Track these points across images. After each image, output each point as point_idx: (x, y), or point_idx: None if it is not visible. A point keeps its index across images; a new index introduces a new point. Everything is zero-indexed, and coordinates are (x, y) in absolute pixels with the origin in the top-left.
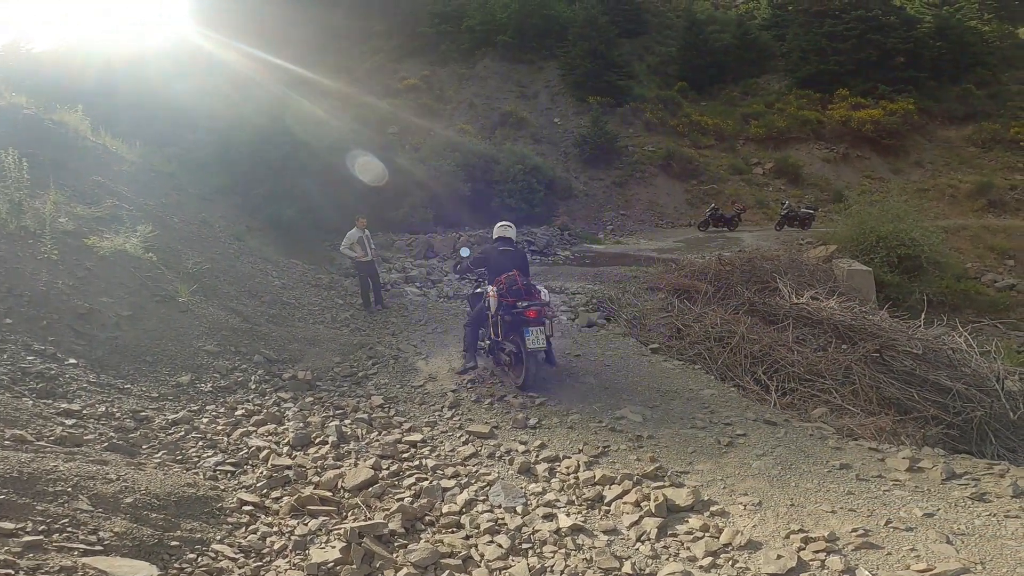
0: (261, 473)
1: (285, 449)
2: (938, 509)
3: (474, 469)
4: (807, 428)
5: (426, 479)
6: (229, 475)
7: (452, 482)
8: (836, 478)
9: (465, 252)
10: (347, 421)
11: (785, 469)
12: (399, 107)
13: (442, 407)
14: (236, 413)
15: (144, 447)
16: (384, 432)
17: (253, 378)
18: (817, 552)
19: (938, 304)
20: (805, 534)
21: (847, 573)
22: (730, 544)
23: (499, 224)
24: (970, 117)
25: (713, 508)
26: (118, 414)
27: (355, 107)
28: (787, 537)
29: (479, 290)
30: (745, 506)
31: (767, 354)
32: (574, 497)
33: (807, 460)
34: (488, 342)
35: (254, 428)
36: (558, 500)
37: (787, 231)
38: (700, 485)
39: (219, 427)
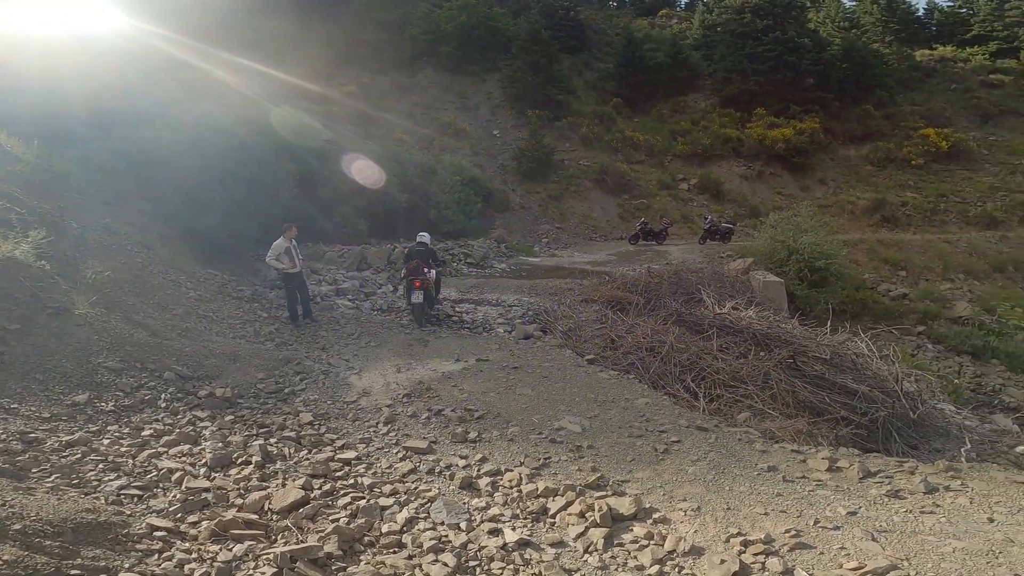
0: (174, 496)
1: (202, 471)
2: (860, 507)
3: (413, 486)
4: (735, 433)
5: (363, 498)
6: (136, 499)
7: (391, 500)
8: (765, 480)
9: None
10: (273, 440)
11: (719, 473)
12: (336, 114)
13: (377, 423)
14: (143, 434)
15: (34, 471)
16: (315, 450)
17: (163, 396)
18: (757, 555)
19: (841, 312)
20: (743, 537)
21: (786, 574)
22: (675, 551)
23: (419, 233)
24: (868, 137)
25: (655, 515)
26: (3, 436)
27: (288, 112)
28: (727, 541)
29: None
30: (685, 512)
31: (695, 362)
32: (519, 511)
33: (738, 464)
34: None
35: (165, 449)
36: (503, 514)
37: (710, 245)
38: (641, 493)
39: (123, 449)
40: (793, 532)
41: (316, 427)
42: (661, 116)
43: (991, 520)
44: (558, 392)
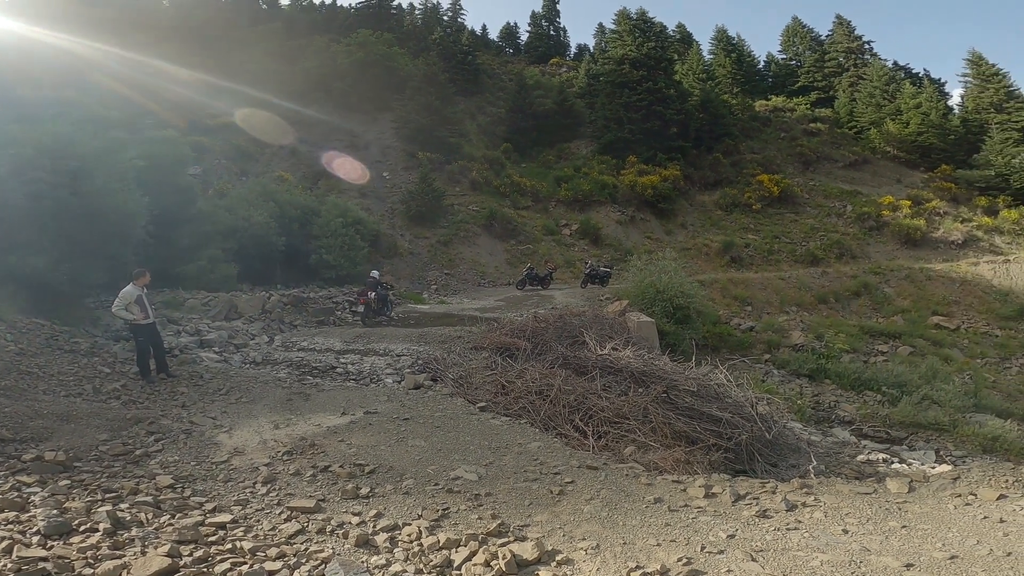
0: (4, 567)
1: (35, 539)
2: (736, 530)
3: (303, 547)
4: (623, 469)
5: (245, 563)
6: None
7: (279, 564)
8: (654, 512)
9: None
10: (124, 505)
11: (612, 510)
12: (208, 146)
13: (254, 483)
14: None
15: None
16: (179, 515)
17: None
18: None
19: (703, 347)
20: (642, 570)
21: None
22: None
23: (372, 271)
24: (719, 183)
25: (559, 557)
26: None
27: (150, 141)
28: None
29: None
30: (586, 551)
31: (582, 402)
32: (422, 565)
33: (628, 499)
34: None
35: None
36: (405, 570)
37: (590, 288)
38: (542, 536)
39: None
40: (685, 560)
41: (179, 490)
42: (547, 162)
43: (845, 532)
44: (452, 441)
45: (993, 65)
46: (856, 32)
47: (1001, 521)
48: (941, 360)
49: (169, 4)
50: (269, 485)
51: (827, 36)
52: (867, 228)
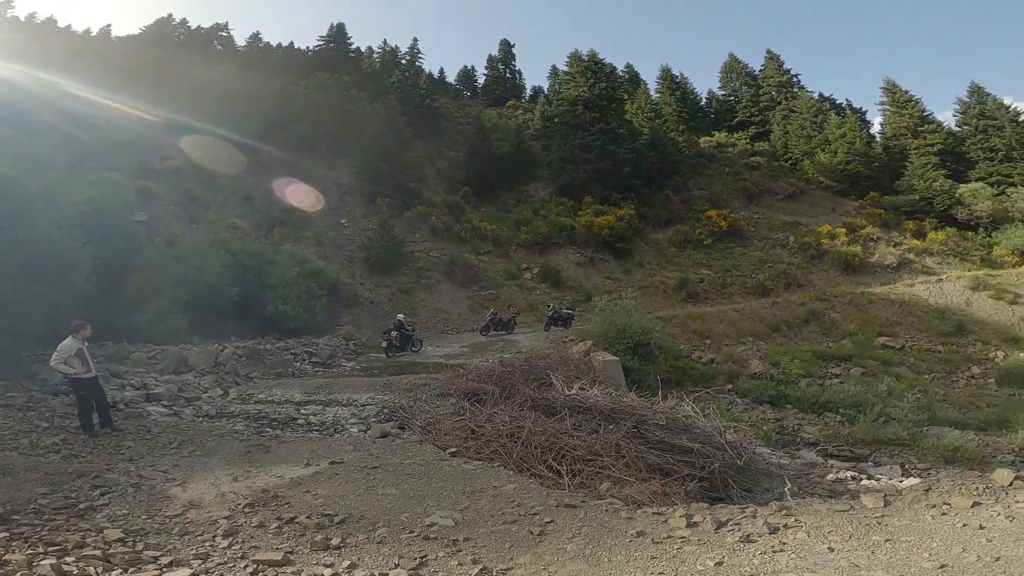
0: None
1: None
2: (723, 556)
3: None
4: (601, 505)
5: None
6: None
7: None
8: (638, 546)
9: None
10: (70, 559)
11: (595, 547)
12: (156, 191)
13: (214, 536)
14: None
15: None
16: (132, 569)
17: None
18: None
19: (667, 381)
20: None
21: None
22: None
23: (397, 314)
24: (671, 221)
25: None
26: None
27: (96, 184)
28: None
29: None
30: None
31: (553, 442)
32: None
33: (610, 534)
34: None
35: None
36: None
37: (554, 331)
38: None
39: None
40: None
41: (130, 544)
42: (506, 206)
43: (831, 549)
44: (424, 487)
45: (906, 92)
46: (785, 66)
47: (981, 528)
48: (892, 378)
49: (119, 42)
50: (231, 538)
51: (760, 71)
52: (809, 257)
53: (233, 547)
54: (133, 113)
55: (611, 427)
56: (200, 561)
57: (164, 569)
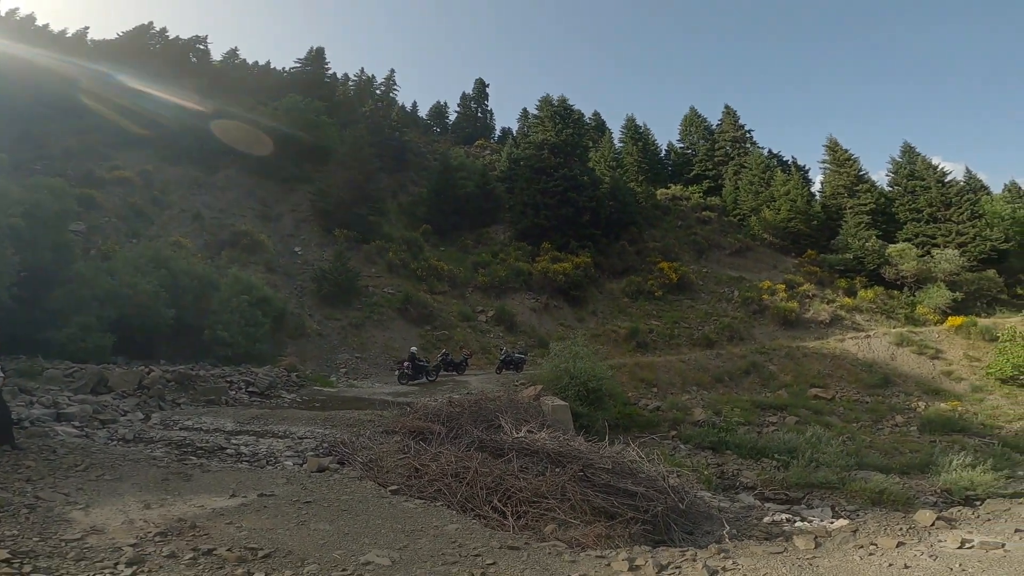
0: None
1: None
2: None
3: None
4: (545, 547)
5: None
6: None
7: None
8: None
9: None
10: None
11: None
12: (98, 201)
13: (116, 563)
14: None
15: None
16: None
17: None
18: None
19: (615, 426)
20: None
21: None
22: None
23: (411, 348)
24: (625, 271)
25: None
26: None
27: (33, 188)
28: None
29: None
30: None
31: (499, 484)
32: None
33: None
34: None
35: None
36: None
37: (505, 374)
38: None
39: None
40: None
41: (16, 566)
42: (466, 246)
43: None
44: (361, 525)
45: (846, 151)
46: (740, 121)
47: (906, 567)
48: (823, 427)
49: (94, 45)
50: (135, 567)
51: (717, 125)
52: (751, 311)
53: None
54: (89, 116)
55: (558, 470)
56: None
57: None
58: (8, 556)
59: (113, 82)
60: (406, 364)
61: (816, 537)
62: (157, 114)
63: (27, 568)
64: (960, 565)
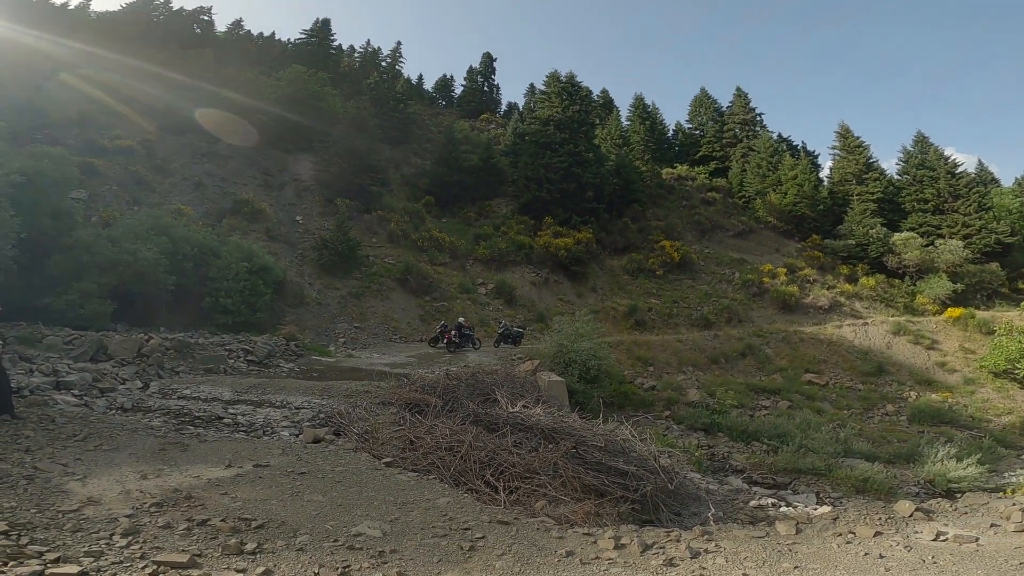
0: None
1: None
2: None
3: None
4: (534, 523)
5: None
6: None
7: None
8: (566, 566)
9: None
10: None
11: (524, 565)
12: (100, 169)
13: (111, 534)
14: None
15: None
16: (13, 563)
17: None
18: None
19: (610, 404)
20: None
21: None
22: None
23: (459, 318)
24: (627, 248)
25: None
26: None
27: (34, 156)
28: None
29: None
30: None
31: (493, 458)
32: None
33: (540, 553)
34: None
35: None
36: None
37: (503, 347)
38: None
39: None
40: None
41: (13, 537)
42: (468, 218)
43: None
44: (354, 496)
45: (858, 138)
46: (751, 104)
47: (881, 557)
48: (814, 412)
49: (96, 17)
50: (131, 537)
51: (727, 107)
52: (751, 294)
53: (132, 546)
54: (93, 86)
55: (551, 446)
56: (92, 559)
57: (49, 565)
58: (6, 528)
59: (118, 54)
60: (453, 332)
61: (798, 523)
62: (162, 85)
63: (24, 540)
64: (933, 557)
